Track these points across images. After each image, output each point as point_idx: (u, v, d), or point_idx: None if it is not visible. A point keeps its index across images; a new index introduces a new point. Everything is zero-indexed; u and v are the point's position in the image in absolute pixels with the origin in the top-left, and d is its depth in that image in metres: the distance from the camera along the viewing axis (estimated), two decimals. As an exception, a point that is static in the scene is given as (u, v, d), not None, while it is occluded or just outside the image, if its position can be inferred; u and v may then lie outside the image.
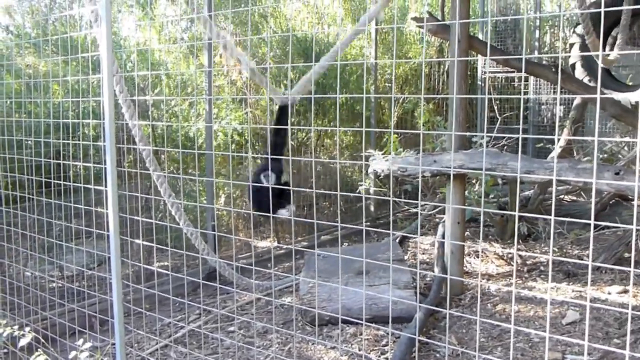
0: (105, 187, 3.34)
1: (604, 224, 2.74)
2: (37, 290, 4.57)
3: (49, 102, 4.37)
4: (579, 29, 6.11)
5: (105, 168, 3.31)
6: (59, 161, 4.57)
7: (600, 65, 4.90)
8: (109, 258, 3.40)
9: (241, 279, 5.37)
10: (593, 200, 2.17)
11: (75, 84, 5.60)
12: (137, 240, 4.20)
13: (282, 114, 4.64)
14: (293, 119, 7.74)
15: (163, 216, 5.95)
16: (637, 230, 5.23)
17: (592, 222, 2.12)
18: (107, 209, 3.36)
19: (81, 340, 3.47)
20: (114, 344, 3.54)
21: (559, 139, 6.95)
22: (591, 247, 2.16)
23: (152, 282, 5.36)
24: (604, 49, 5.32)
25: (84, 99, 5.26)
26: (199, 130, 6.68)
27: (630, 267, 2.03)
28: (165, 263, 6.12)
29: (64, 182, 4.21)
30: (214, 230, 6.04)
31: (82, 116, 5.41)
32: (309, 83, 4.19)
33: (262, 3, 8.07)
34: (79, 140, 4.84)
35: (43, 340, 3.87)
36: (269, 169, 4.33)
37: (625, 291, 5.09)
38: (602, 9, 2.17)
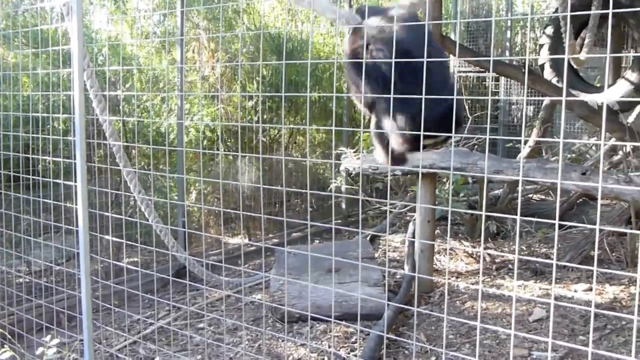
0: (75, 182, 3.31)
1: (569, 223, 2.80)
2: (4, 285, 4.50)
3: (18, 94, 4.31)
4: (549, 30, 6.21)
5: (74, 163, 3.29)
6: (27, 155, 4.52)
7: (566, 66, 4.98)
8: (78, 253, 3.38)
9: (211, 276, 5.35)
10: (558, 199, 2.22)
11: (45, 77, 5.53)
12: (106, 236, 4.16)
13: None
14: (265, 116, 7.73)
15: (133, 212, 5.90)
16: (600, 230, 5.34)
17: (556, 222, 2.17)
18: (76, 204, 3.33)
19: (49, 337, 3.44)
20: (82, 340, 3.51)
21: (527, 140, 7.04)
22: (556, 245, 2.21)
23: (121, 278, 5.28)
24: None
25: (54, 93, 5.19)
26: (170, 126, 6.64)
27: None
28: (135, 259, 6.07)
29: (33, 177, 4.16)
30: (185, 227, 6.01)
31: (52, 110, 5.34)
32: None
33: (236, -1, 8.05)
34: (48, 134, 4.77)
35: (9, 336, 3.83)
36: None
37: (591, 289, 5.18)
38: (569, 13, 2.22)
